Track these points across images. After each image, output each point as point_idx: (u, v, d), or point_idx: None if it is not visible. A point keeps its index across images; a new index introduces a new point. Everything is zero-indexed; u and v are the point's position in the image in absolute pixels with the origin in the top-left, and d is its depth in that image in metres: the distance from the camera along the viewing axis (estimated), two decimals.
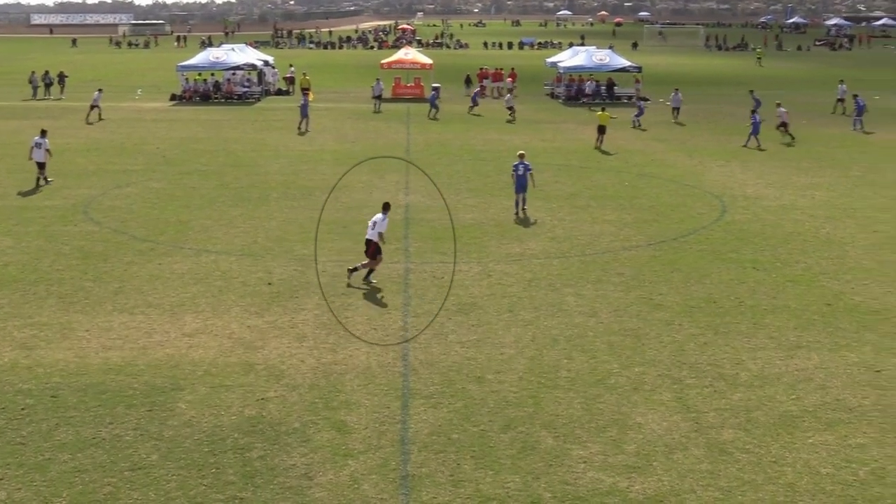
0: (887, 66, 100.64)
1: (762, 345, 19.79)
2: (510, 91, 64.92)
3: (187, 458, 14.62)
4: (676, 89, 58.62)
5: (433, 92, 59.56)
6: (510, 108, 57.28)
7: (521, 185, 30.58)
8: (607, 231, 29.09)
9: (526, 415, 16.31)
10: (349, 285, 23.26)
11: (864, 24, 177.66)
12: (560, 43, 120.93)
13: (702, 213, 31.86)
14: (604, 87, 67.37)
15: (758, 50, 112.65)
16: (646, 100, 60.51)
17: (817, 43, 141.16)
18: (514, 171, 30.62)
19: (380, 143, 47.35)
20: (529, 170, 30.40)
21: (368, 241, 23.38)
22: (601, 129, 44.99)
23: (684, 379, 17.94)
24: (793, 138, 47.43)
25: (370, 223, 23.47)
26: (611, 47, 77.54)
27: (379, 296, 22.68)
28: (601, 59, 67.88)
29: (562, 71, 68.52)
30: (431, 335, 20.07)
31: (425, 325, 20.58)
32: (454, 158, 42.63)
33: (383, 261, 23.73)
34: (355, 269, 23.55)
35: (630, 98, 65.64)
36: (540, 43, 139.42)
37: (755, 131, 45.51)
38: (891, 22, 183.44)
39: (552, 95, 69.60)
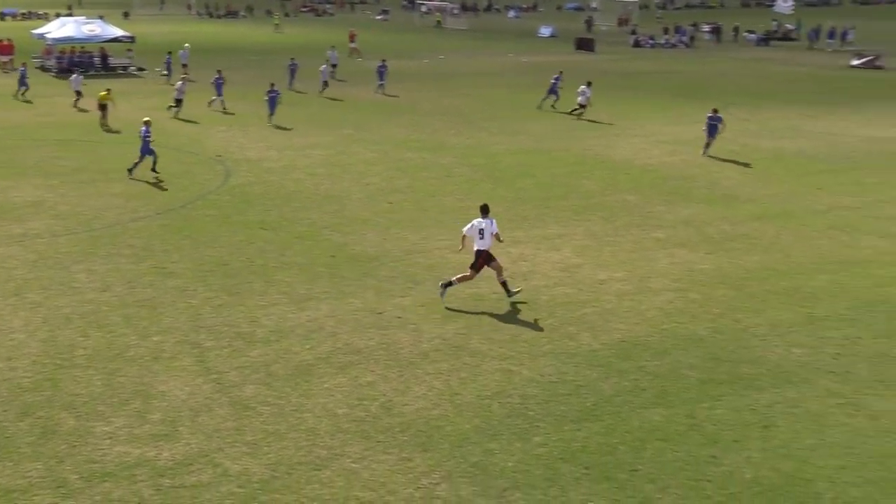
0: (361, 28, 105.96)
1: (275, 301, 20.38)
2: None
3: None
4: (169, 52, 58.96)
5: None
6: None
7: None
8: (115, 204, 28.36)
9: (44, 399, 15.66)
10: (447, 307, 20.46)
11: None
12: (47, 13, 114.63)
13: (207, 178, 31.98)
14: (97, 59, 65.01)
15: (276, 16, 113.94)
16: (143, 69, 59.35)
17: (302, 10, 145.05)
18: None
19: None
20: None
21: (487, 254, 20.36)
22: (102, 107, 43.44)
23: (203, 342, 18.08)
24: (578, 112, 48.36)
25: (477, 230, 20.29)
26: (101, 17, 74.91)
27: None
28: (91, 30, 65.27)
29: (50, 42, 65.18)
30: None
31: None
32: None
33: None
34: (507, 287, 20.61)
35: (125, 68, 63.99)
36: (23, 13, 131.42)
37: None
38: None
39: (43, 69, 66.05)
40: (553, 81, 48.77)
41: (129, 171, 31.68)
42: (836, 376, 16.82)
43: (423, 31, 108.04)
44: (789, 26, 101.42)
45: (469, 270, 20.46)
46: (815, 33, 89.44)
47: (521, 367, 17.17)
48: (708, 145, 36.81)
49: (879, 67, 68.94)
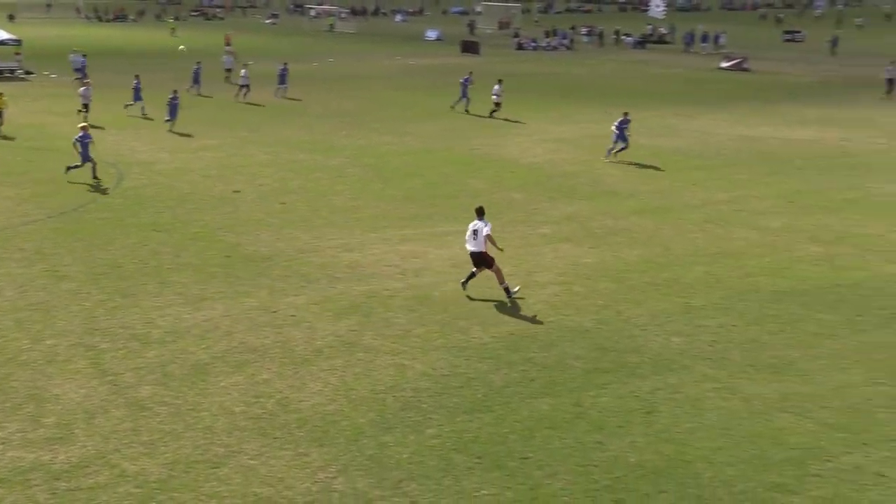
0: (252, 32, 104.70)
1: (170, 301, 20.03)
2: None
3: None
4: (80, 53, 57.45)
5: None
6: None
7: None
8: (5, 207, 27.53)
9: None
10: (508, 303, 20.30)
11: None
12: None
13: (100, 181, 31.25)
14: None
15: (170, 21, 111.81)
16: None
17: (192, 13, 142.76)
18: None
19: None
20: None
21: (482, 255, 20.30)
22: None
23: (98, 344, 17.68)
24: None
25: (471, 233, 20.35)
26: None
27: None
28: None
29: None
30: None
31: None
32: None
33: None
34: (508, 290, 20.43)
35: (12, 72, 62.05)
36: None
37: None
38: None
39: None
40: (463, 83, 47.96)
41: (68, 170, 31.06)
42: (712, 362, 17.23)
43: (312, 34, 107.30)
44: (663, 30, 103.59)
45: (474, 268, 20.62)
46: (691, 37, 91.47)
47: (413, 361, 17.19)
48: (612, 150, 35.46)
49: (746, 69, 70.84)
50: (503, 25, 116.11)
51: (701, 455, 13.90)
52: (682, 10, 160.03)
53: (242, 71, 51.03)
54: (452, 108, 48.20)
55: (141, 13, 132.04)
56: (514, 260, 23.20)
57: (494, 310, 19.84)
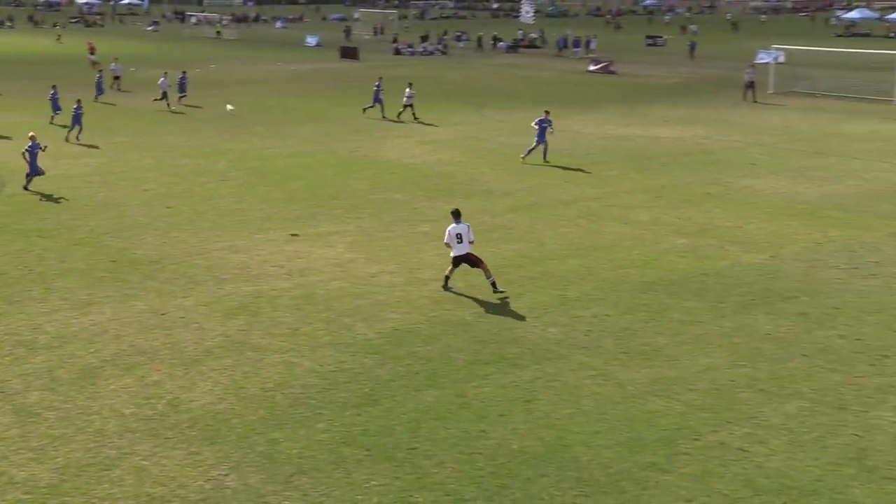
0: (134, 39, 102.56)
1: (57, 307, 19.47)
2: None
3: None
4: None
5: None
6: None
7: None
8: None
9: None
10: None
11: (111, 2, 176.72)
12: None
13: None
14: None
15: (56, 28, 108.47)
16: None
17: (72, 20, 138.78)
18: None
19: None
20: None
21: (468, 257, 20.29)
22: None
23: None
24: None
25: (454, 235, 20.13)
26: None
27: None
28: None
29: None
30: None
31: None
32: None
33: None
34: (494, 285, 20.43)
35: None
36: None
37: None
38: (136, 1, 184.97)
39: None
40: (375, 88, 47.02)
41: (25, 187, 29.97)
42: (587, 351, 17.54)
43: (193, 40, 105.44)
44: (533, 35, 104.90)
45: (451, 266, 20.68)
46: (564, 41, 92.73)
47: (301, 358, 17.06)
48: (532, 150, 35.28)
49: (612, 72, 72.25)
50: (377, 31, 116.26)
51: (579, 439, 14.13)
52: (551, 16, 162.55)
53: (161, 80, 49.41)
54: (364, 111, 47.31)
55: (10, 18, 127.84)
56: (397, 258, 23.23)
57: (378, 306, 19.81)
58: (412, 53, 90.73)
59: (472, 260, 20.39)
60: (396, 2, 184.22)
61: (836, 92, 57.91)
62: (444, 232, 20.55)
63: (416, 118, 45.93)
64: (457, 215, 20.53)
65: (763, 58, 73.97)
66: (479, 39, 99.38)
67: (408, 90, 46.32)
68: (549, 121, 35.69)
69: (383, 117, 46.60)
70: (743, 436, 14.25)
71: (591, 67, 74.38)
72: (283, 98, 54.93)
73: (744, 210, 28.37)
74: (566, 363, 16.96)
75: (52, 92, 43.58)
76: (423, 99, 53.34)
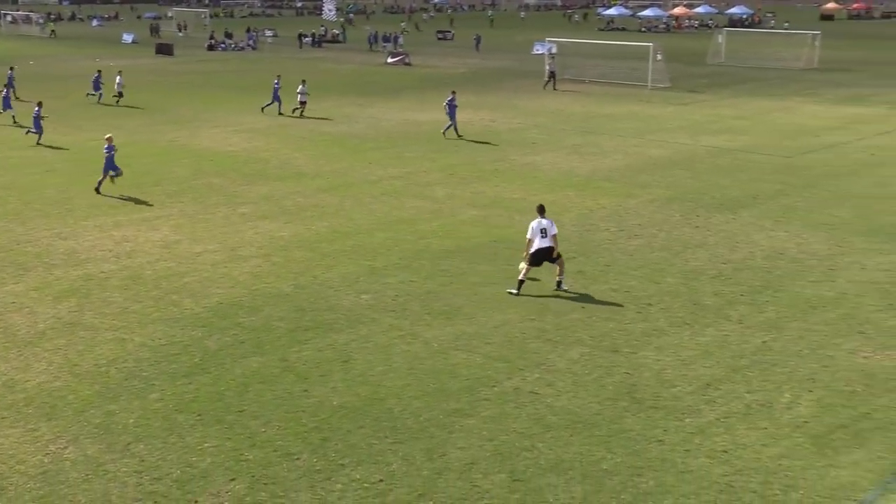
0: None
1: None
2: None
3: None
4: None
5: None
6: None
7: None
8: None
9: None
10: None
11: None
12: None
13: None
14: None
15: None
16: None
17: None
18: None
19: None
20: None
21: (550, 251, 18.45)
22: None
23: None
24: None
25: (538, 230, 18.36)
26: None
27: None
28: None
29: None
30: None
31: None
32: None
33: None
34: (560, 284, 18.89)
35: None
36: None
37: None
38: None
39: None
40: (275, 86, 44.29)
41: (97, 189, 27.32)
42: (396, 314, 17.69)
43: (8, 38, 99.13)
44: (335, 31, 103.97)
45: (525, 267, 18.83)
46: (374, 37, 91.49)
47: (133, 335, 16.49)
48: (451, 126, 37.32)
49: (409, 64, 72.57)
50: (181, 27, 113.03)
51: (392, 392, 14.27)
52: (351, 13, 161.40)
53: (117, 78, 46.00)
54: (262, 110, 44.61)
55: None
56: (219, 238, 22.72)
57: (203, 283, 19.34)
58: (224, 49, 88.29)
59: (552, 254, 18.64)
60: (208, 1, 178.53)
61: (601, 78, 60.21)
62: (528, 228, 18.70)
63: (294, 111, 43.68)
64: (542, 210, 18.78)
65: (539, 49, 75.95)
66: (300, 36, 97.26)
67: (301, 87, 43.79)
68: (454, 100, 37.48)
69: (280, 114, 43.99)
70: (534, 381, 14.73)
71: (390, 60, 74.44)
72: (106, 92, 52.36)
73: (527, 183, 29.17)
74: (378, 326, 17.06)
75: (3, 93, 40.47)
76: (234, 92, 52.27)
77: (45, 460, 12.18)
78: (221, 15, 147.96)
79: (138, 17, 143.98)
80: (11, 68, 49.12)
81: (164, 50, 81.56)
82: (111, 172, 27.11)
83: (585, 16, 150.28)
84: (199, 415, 13.50)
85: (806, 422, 13.39)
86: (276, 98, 44.10)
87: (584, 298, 18.55)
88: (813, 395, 14.25)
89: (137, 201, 26.46)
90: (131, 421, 13.29)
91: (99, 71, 50.58)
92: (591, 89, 56.22)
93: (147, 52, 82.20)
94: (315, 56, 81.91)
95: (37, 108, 35.65)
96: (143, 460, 12.22)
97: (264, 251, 21.71)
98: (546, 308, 18.00)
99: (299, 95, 43.77)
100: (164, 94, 51.48)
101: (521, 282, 18.77)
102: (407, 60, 73.44)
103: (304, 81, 45.01)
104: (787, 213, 25.38)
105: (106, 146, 27.07)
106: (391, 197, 27.36)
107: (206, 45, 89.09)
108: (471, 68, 70.27)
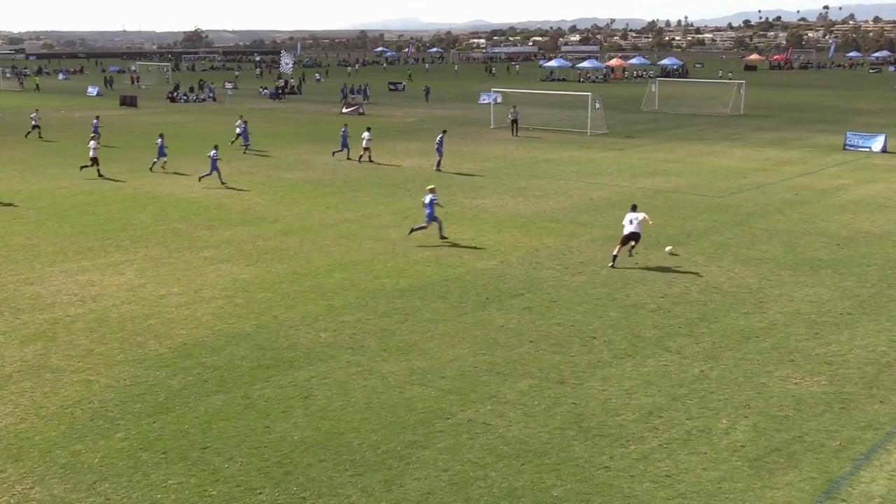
0: None
1: None
2: None
3: None
4: None
5: None
6: None
7: None
8: None
9: None
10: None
11: None
12: None
13: None
14: None
15: None
16: None
17: None
18: None
19: None
20: None
21: (635, 235, 23.30)
22: None
23: None
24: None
25: (628, 220, 23.32)
26: None
27: None
28: None
29: None
30: None
31: None
32: None
33: None
34: (615, 257, 23.75)
35: None
36: None
37: None
38: None
39: None
40: (342, 134, 45.17)
41: (412, 231, 27.16)
42: (354, 351, 17.54)
43: None
44: (293, 82, 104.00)
45: (618, 246, 23.70)
46: (346, 89, 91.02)
47: (98, 376, 16.13)
48: (439, 163, 41.09)
49: (362, 114, 72.71)
50: (134, 80, 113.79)
51: (351, 427, 14.11)
52: (307, 66, 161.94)
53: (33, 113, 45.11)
54: (333, 155, 45.35)
55: None
56: (183, 281, 22.41)
57: (167, 325, 19.03)
58: (186, 101, 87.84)
59: (636, 237, 23.30)
60: (170, 55, 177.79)
61: (544, 125, 60.86)
62: (624, 219, 23.58)
63: (360, 159, 44.06)
64: (634, 207, 23.77)
65: (485, 99, 76.61)
66: (282, 88, 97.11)
67: (365, 134, 44.07)
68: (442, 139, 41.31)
69: (348, 159, 44.74)
70: (486, 412, 14.66)
71: (344, 110, 74.55)
72: (70, 143, 51.73)
73: (476, 225, 29.25)
74: (336, 362, 16.90)
75: None
76: (195, 141, 51.99)
77: (12, 501, 11.81)
78: (184, 69, 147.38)
79: (103, 72, 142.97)
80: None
81: (128, 102, 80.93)
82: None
83: (516, 68, 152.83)
84: (163, 453, 13.20)
85: (743, 446, 13.48)
86: (345, 145, 45.06)
87: (532, 333, 18.57)
88: (748, 420, 14.36)
89: (102, 247, 26.04)
90: (97, 460, 12.95)
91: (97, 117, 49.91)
92: (534, 135, 56.76)
93: (112, 103, 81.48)
94: (273, 107, 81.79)
95: None
96: (108, 499, 11.89)
97: (227, 293, 21.45)
98: (496, 343, 17.98)
99: (364, 142, 43.98)
100: (130, 144, 50.92)
101: (615, 256, 23.61)
102: (360, 110, 73.59)
103: (368, 129, 45.07)
104: (719, 249, 25.73)
105: (430, 196, 26.53)
106: (347, 239, 27.25)
107: (167, 97, 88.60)
108: (420, 117, 70.61)
